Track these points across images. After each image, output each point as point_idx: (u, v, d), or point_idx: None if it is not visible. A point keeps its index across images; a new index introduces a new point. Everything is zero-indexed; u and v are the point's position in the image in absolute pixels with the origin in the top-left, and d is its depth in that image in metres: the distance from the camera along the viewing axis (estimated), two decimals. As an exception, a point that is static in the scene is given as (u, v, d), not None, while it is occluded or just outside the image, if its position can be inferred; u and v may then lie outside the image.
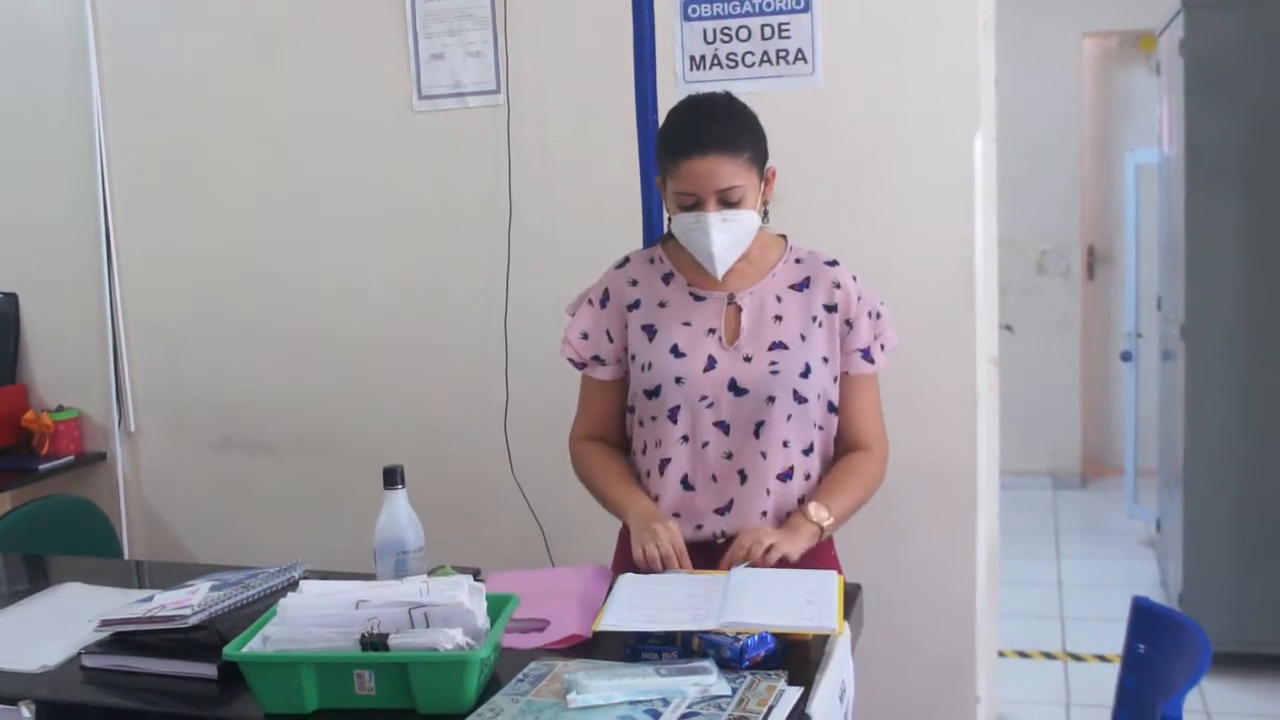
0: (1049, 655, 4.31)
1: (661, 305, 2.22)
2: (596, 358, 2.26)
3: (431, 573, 1.96)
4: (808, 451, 2.19)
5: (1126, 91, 6.67)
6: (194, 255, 3.68)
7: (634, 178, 2.89)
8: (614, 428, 2.31)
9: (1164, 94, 4.60)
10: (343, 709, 1.68)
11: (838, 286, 2.20)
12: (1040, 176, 6.27)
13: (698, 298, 2.21)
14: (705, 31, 3.08)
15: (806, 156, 2.90)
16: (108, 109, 3.68)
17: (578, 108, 3.24)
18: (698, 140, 2.07)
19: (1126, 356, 5.70)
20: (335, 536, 3.25)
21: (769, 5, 3.03)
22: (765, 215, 2.18)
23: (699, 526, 2.17)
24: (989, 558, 3.24)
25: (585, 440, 2.32)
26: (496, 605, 1.80)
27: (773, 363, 2.14)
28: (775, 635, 1.75)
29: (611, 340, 2.25)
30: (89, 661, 1.89)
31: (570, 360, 2.29)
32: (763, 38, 3.05)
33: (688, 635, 1.76)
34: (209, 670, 1.81)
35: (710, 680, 1.65)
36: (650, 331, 2.20)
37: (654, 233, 2.82)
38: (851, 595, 2.00)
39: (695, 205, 2.09)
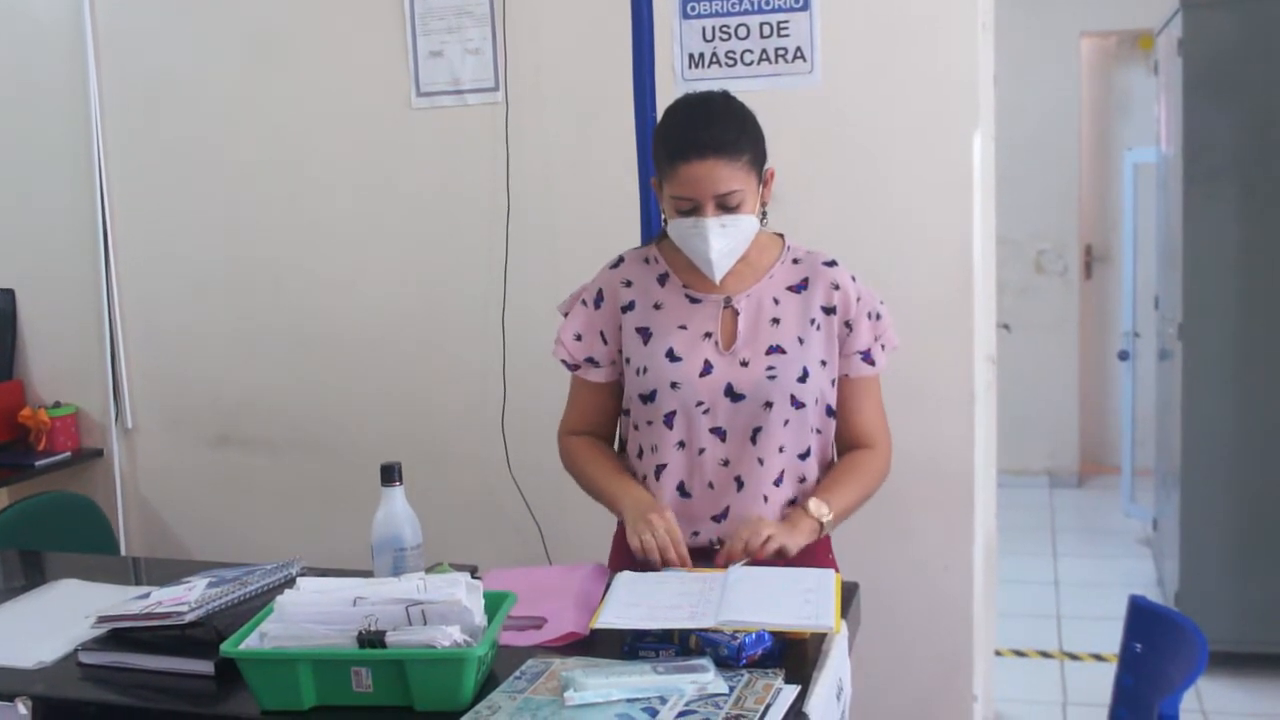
0: (1046, 654, 4.31)
1: (656, 307, 2.19)
2: (590, 359, 2.24)
3: (429, 570, 1.96)
4: (804, 456, 2.17)
5: (1124, 91, 6.68)
6: (192, 252, 3.67)
7: (632, 175, 2.89)
8: (604, 425, 2.29)
9: (1162, 93, 4.60)
10: (340, 706, 1.68)
11: (836, 288, 2.18)
12: (1038, 176, 6.27)
13: (694, 300, 2.18)
14: (704, 29, 3.08)
15: (805, 155, 2.90)
16: (105, 105, 3.68)
17: (576, 105, 3.24)
18: (696, 144, 2.03)
19: (1124, 356, 5.71)
20: (333, 533, 3.25)
21: (768, 3, 3.03)
22: (763, 216, 2.15)
23: (695, 533, 2.15)
24: (986, 556, 3.25)
25: (574, 434, 2.30)
26: (494, 603, 1.80)
27: (770, 367, 2.12)
28: (773, 634, 1.75)
29: (606, 342, 2.23)
30: (85, 658, 1.89)
31: (563, 362, 2.26)
32: (762, 36, 3.05)
33: (685, 633, 1.76)
34: (206, 667, 1.81)
35: (707, 678, 1.64)
36: (645, 334, 2.18)
37: (652, 230, 2.82)
38: (849, 594, 2.00)
39: (693, 210, 2.06)
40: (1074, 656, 4.27)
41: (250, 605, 1.91)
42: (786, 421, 2.13)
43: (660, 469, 2.17)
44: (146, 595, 1.97)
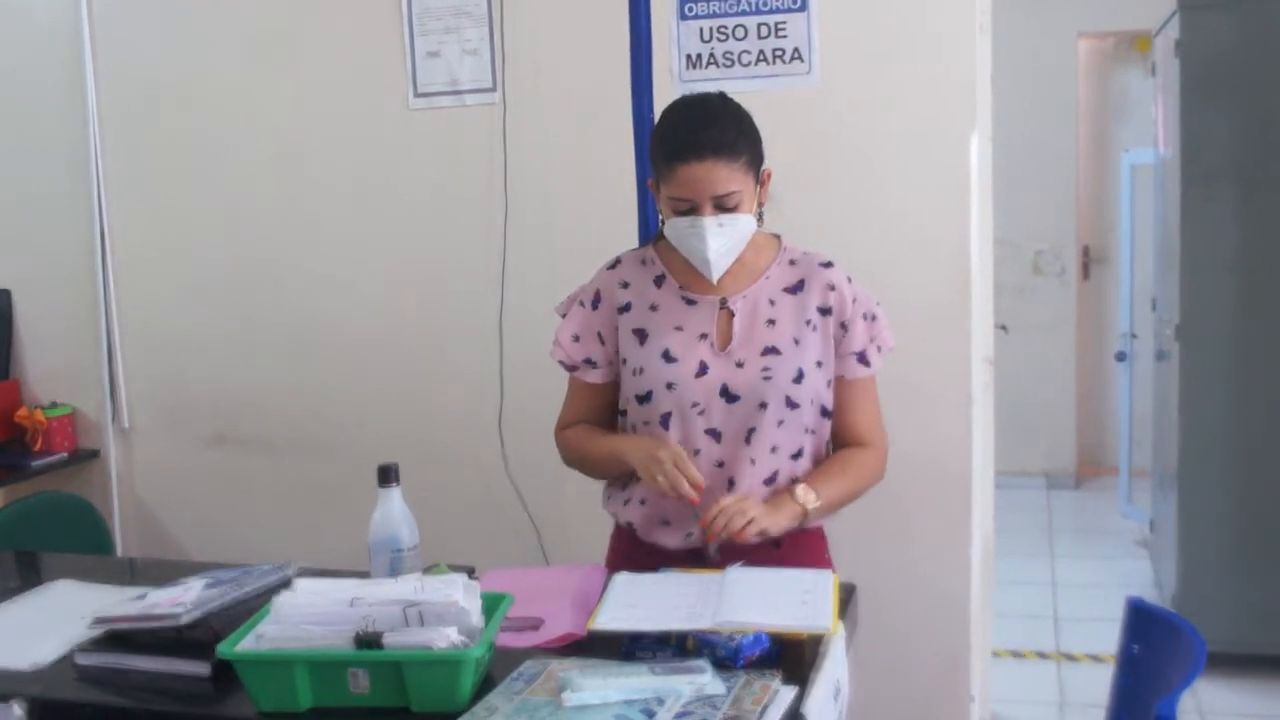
0: (1043, 655, 4.32)
1: (653, 309, 2.19)
2: (588, 360, 2.24)
3: (426, 571, 1.96)
4: (796, 456, 2.17)
5: (1122, 92, 6.68)
6: (188, 252, 3.67)
7: (630, 176, 2.89)
8: (601, 425, 2.29)
9: (1159, 95, 4.60)
10: (337, 708, 1.68)
11: (832, 289, 2.18)
12: (1036, 177, 6.27)
13: (690, 301, 2.18)
14: (702, 30, 3.08)
15: (802, 156, 2.90)
16: (103, 105, 3.68)
17: (574, 106, 3.24)
18: (694, 145, 2.03)
19: (1121, 357, 5.71)
20: (330, 534, 3.24)
21: (766, 4, 3.03)
22: (760, 217, 2.15)
23: (689, 534, 2.14)
24: (983, 557, 3.25)
25: (568, 428, 2.30)
26: (491, 604, 1.80)
27: (765, 368, 2.12)
28: (770, 635, 1.75)
29: (603, 343, 2.23)
30: (82, 659, 1.89)
31: (561, 363, 2.26)
32: (759, 37, 3.05)
33: (682, 634, 1.76)
34: (202, 668, 1.81)
35: (705, 679, 1.64)
36: (641, 335, 2.18)
37: (649, 231, 2.82)
38: (846, 595, 2.00)
39: (690, 210, 2.06)
40: (1071, 657, 4.27)
41: (247, 606, 1.91)
42: (781, 422, 2.13)
43: None
44: (143, 596, 1.97)
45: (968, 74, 2.97)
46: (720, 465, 2.14)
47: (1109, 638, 2.39)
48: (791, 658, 1.76)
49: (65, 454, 3.78)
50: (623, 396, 2.23)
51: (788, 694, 1.65)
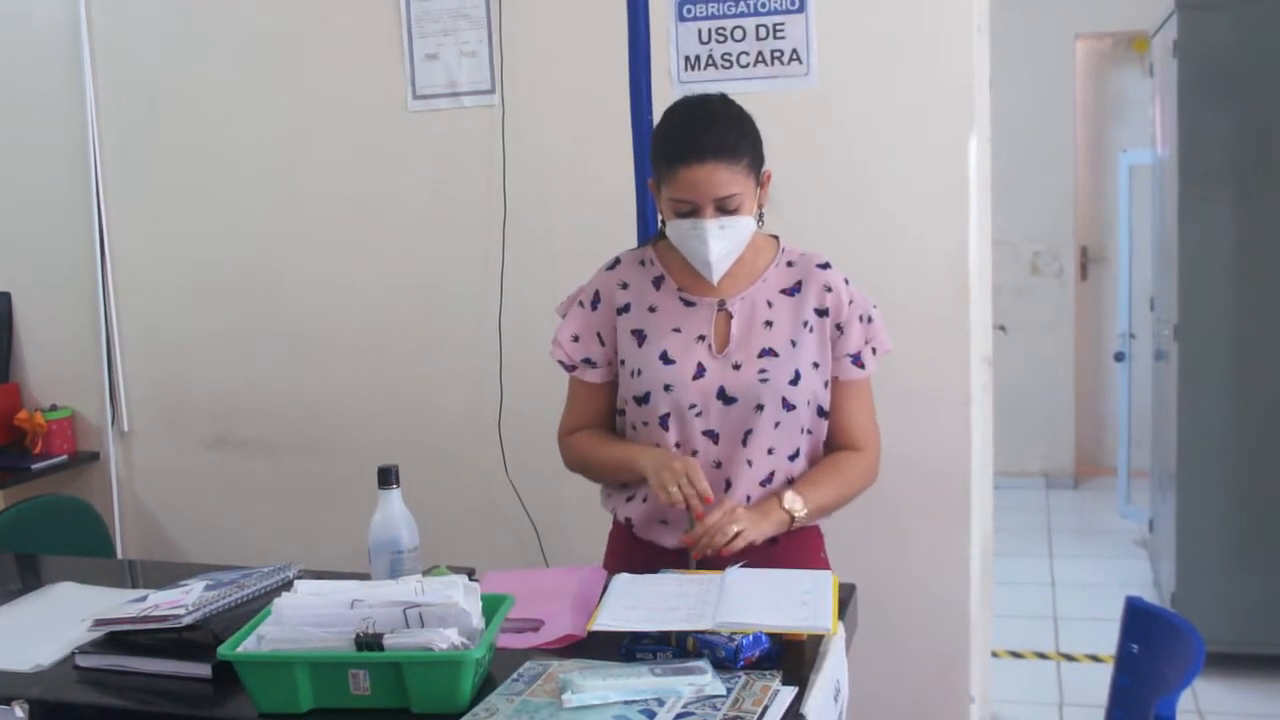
0: (1042, 655, 4.32)
1: (651, 310, 2.20)
2: (587, 360, 2.24)
3: (426, 572, 1.96)
4: (793, 457, 2.18)
5: (1120, 93, 6.69)
6: (187, 255, 3.67)
7: (629, 178, 2.89)
8: (603, 425, 2.29)
9: (1157, 95, 4.61)
10: (337, 709, 1.68)
11: (829, 290, 2.18)
12: (1034, 177, 6.28)
13: (688, 303, 2.18)
14: (700, 32, 3.09)
15: (801, 157, 2.91)
16: (101, 108, 3.68)
17: (573, 108, 3.24)
18: (696, 148, 2.03)
19: (1120, 357, 5.72)
20: (330, 536, 3.25)
21: (764, 6, 3.04)
22: (760, 219, 2.16)
23: (686, 532, 2.15)
24: (982, 558, 3.25)
25: (573, 433, 2.31)
26: (491, 605, 1.80)
27: (762, 370, 2.12)
28: (770, 635, 1.76)
29: (603, 343, 2.23)
30: (83, 661, 1.89)
31: (561, 363, 2.27)
32: (757, 38, 3.05)
33: (683, 635, 1.76)
34: (203, 670, 1.81)
35: (705, 680, 1.65)
36: (640, 336, 2.19)
37: (648, 233, 2.82)
38: (846, 595, 2.00)
39: (692, 212, 2.07)
40: (1070, 657, 4.27)
41: (247, 608, 1.92)
42: (777, 424, 2.14)
43: None
44: (143, 598, 1.97)
45: (965, 75, 2.97)
46: (718, 466, 2.15)
47: (1108, 638, 2.39)
48: (791, 658, 1.76)
49: (65, 457, 3.78)
50: (621, 397, 2.24)
51: (788, 694, 1.66)
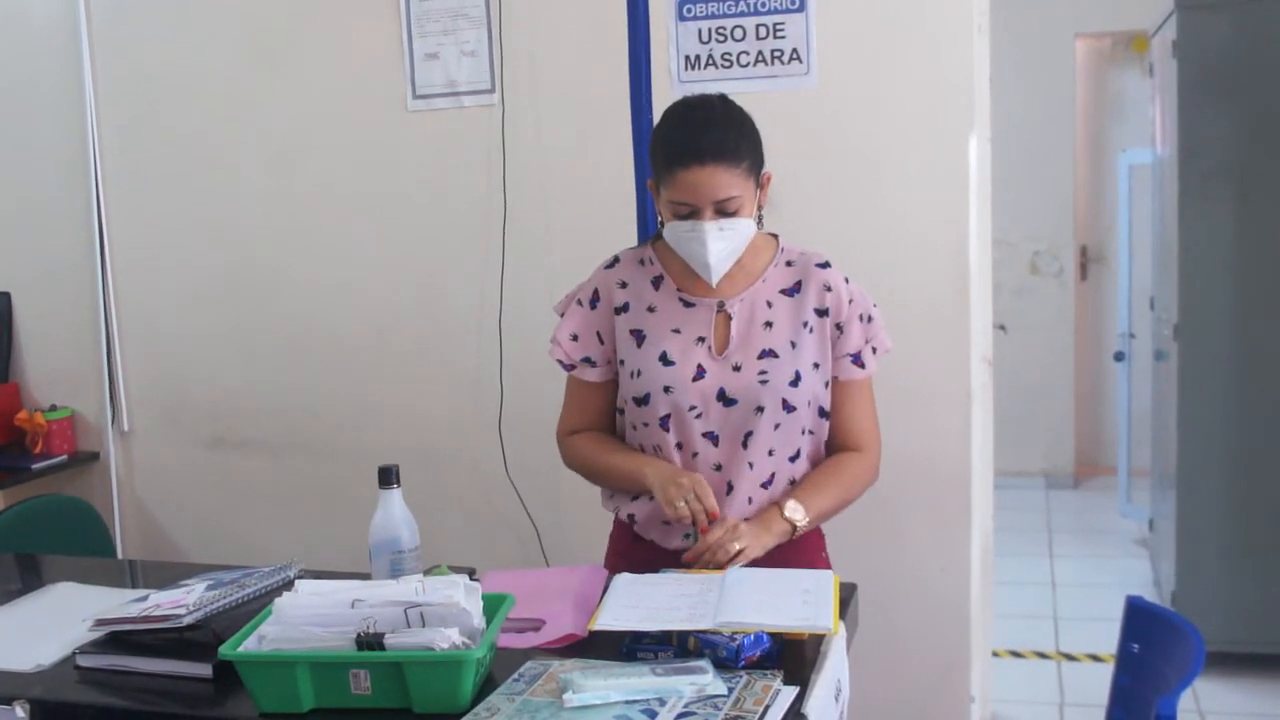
0: (1043, 655, 4.32)
1: (651, 310, 2.19)
2: (587, 359, 2.24)
3: (427, 572, 1.96)
4: (794, 458, 2.18)
5: (1119, 92, 6.69)
6: (187, 254, 3.67)
7: (629, 178, 2.90)
8: (602, 424, 2.29)
9: (1157, 95, 4.61)
10: (338, 709, 1.68)
11: (829, 290, 2.18)
12: (1034, 177, 6.28)
13: (688, 304, 2.18)
14: (700, 31, 3.09)
15: (800, 157, 2.91)
16: (100, 107, 3.68)
17: (573, 108, 3.24)
18: (695, 150, 2.02)
19: (1119, 357, 5.72)
20: (331, 536, 3.25)
21: (764, 5, 3.03)
22: (760, 220, 2.15)
23: (687, 535, 2.15)
24: (983, 557, 3.25)
25: (574, 434, 2.30)
26: (492, 605, 1.80)
27: (762, 372, 2.12)
28: (771, 635, 1.75)
29: (602, 342, 2.23)
30: (83, 661, 1.89)
31: (559, 362, 2.26)
32: (758, 38, 3.05)
33: (684, 635, 1.76)
34: (204, 670, 1.81)
35: (706, 680, 1.65)
36: (639, 337, 2.18)
37: (648, 233, 2.82)
38: (846, 595, 2.00)
39: (691, 214, 2.06)
40: (1071, 657, 4.27)
41: (248, 608, 1.91)
42: (777, 425, 2.14)
43: None
44: (144, 598, 1.97)
45: (965, 75, 2.97)
46: (718, 468, 2.15)
47: (1108, 637, 2.39)
48: (793, 658, 1.76)
49: (65, 456, 3.78)
50: (621, 397, 2.24)
51: (789, 694, 1.66)
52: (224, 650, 1.71)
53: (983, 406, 3.23)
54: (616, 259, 2.28)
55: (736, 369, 2.13)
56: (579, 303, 2.25)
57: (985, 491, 3.34)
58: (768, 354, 2.13)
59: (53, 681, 1.86)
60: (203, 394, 3.71)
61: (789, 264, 2.21)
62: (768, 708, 1.60)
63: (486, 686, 1.71)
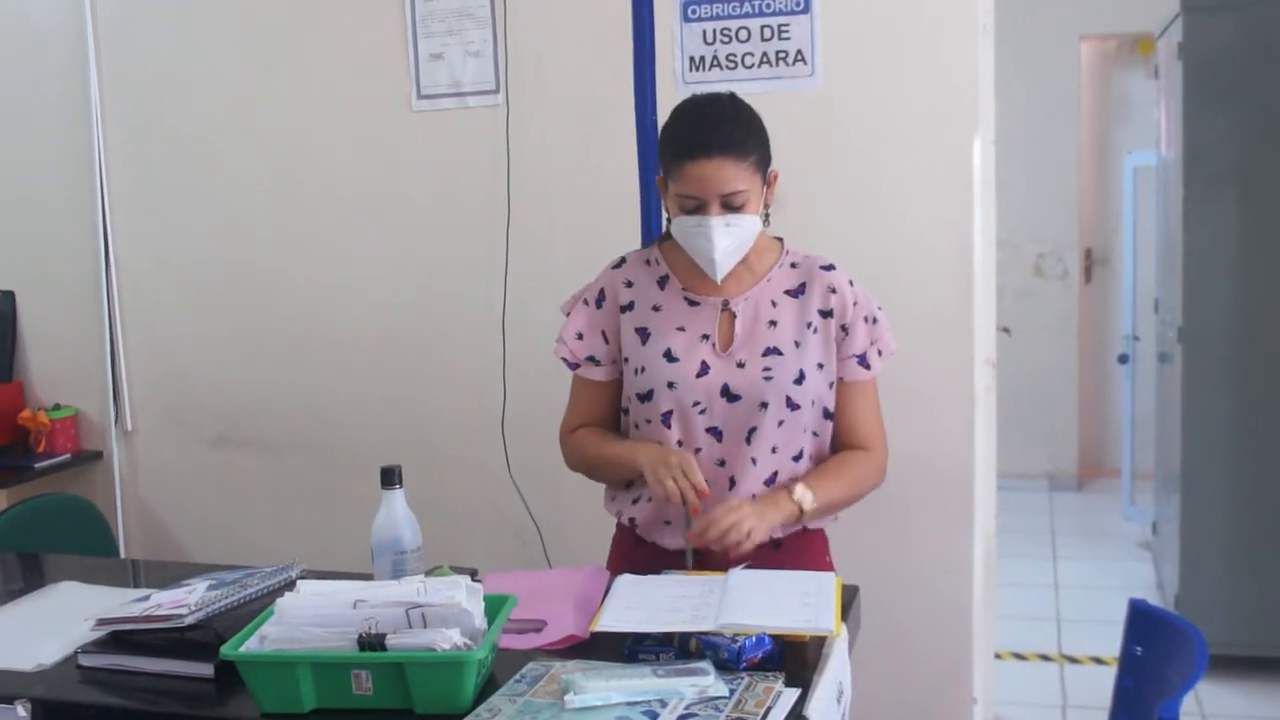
0: (1045, 657, 4.32)
1: (655, 309, 2.20)
2: (591, 358, 2.25)
3: (429, 573, 1.96)
4: (797, 457, 2.18)
5: (1125, 94, 6.68)
6: (191, 254, 3.67)
7: (633, 179, 2.90)
8: (605, 423, 2.29)
9: (1162, 97, 4.60)
10: (340, 709, 1.68)
11: (834, 291, 2.19)
12: (1038, 179, 6.27)
13: (692, 303, 2.19)
14: (705, 32, 3.08)
15: (805, 158, 2.90)
16: (106, 107, 3.68)
17: (577, 108, 3.24)
18: (704, 143, 2.04)
19: (1124, 359, 5.71)
20: (333, 536, 3.25)
21: (769, 6, 3.03)
22: (766, 219, 2.17)
23: (686, 549, 2.15)
24: (986, 559, 3.25)
25: (575, 430, 2.31)
26: (494, 606, 1.80)
27: (766, 369, 2.13)
28: (773, 636, 1.75)
29: (607, 341, 2.24)
30: (85, 660, 1.89)
31: (564, 360, 2.27)
32: (762, 39, 3.05)
33: (685, 636, 1.76)
34: (206, 670, 1.81)
35: (708, 681, 1.65)
36: (644, 335, 2.19)
37: (652, 234, 2.82)
38: (849, 597, 2.00)
39: (698, 208, 2.07)
40: (1074, 660, 4.27)
41: (250, 608, 1.91)
42: (781, 423, 2.14)
43: None
44: (146, 598, 1.97)
45: (970, 76, 2.97)
46: (721, 464, 2.15)
47: (1111, 640, 2.39)
48: (794, 659, 1.76)
49: (69, 456, 3.78)
50: (625, 394, 2.24)
51: (790, 696, 1.65)
52: (226, 650, 1.71)
53: (986, 408, 3.22)
54: (623, 259, 2.29)
55: (740, 365, 2.14)
56: (585, 302, 2.26)
57: (988, 493, 3.33)
58: (772, 351, 2.14)
59: (54, 681, 1.86)
60: (206, 394, 3.71)
61: (794, 266, 2.22)
62: (769, 709, 1.60)
63: (488, 687, 1.71)
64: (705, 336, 2.16)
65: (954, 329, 3.01)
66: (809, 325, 2.17)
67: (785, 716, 1.61)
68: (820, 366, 2.17)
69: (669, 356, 2.15)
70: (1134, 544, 5.55)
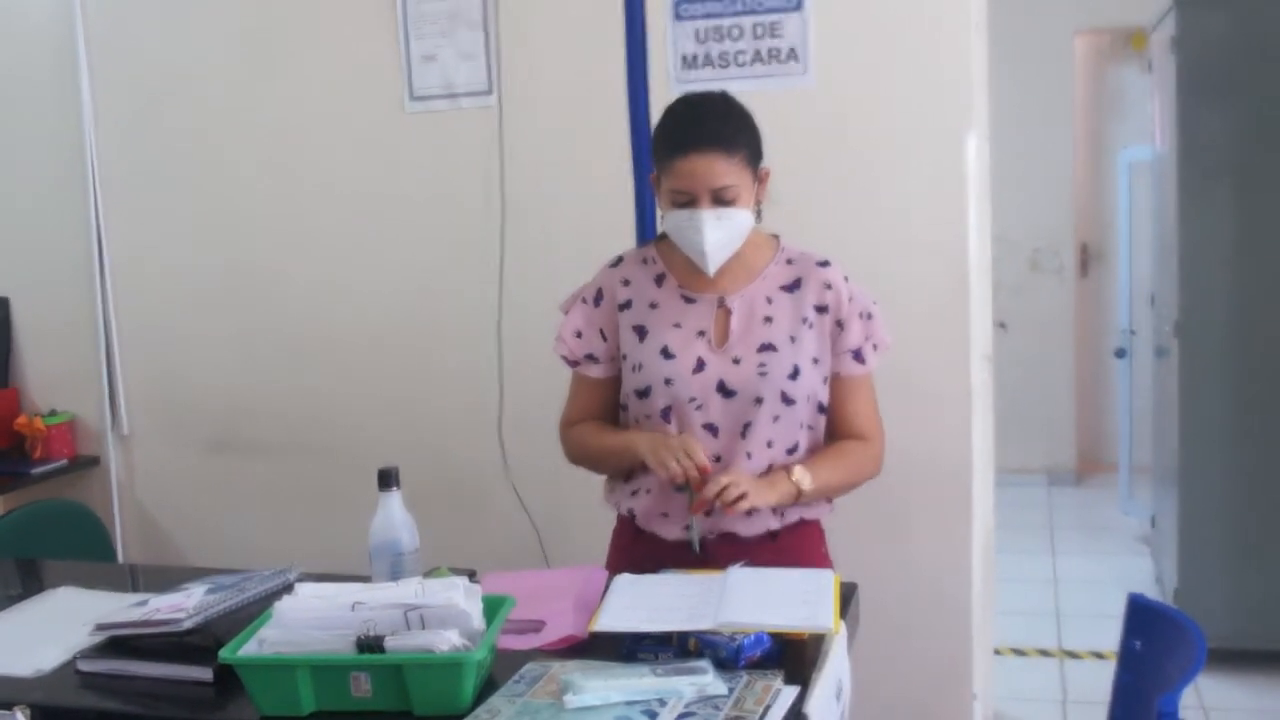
0: (1045, 652, 4.32)
1: (653, 306, 2.22)
2: (590, 356, 2.27)
3: (427, 574, 1.96)
4: (792, 451, 2.19)
5: (1118, 89, 6.68)
6: (185, 257, 3.67)
7: (626, 178, 2.90)
8: (604, 419, 2.31)
9: (1156, 91, 4.60)
10: (339, 711, 1.68)
11: (828, 287, 2.21)
12: (1033, 174, 6.27)
13: (688, 300, 2.21)
14: (697, 31, 3.08)
15: (799, 156, 2.90)
16: (98, 110, 3.67)
17: (570, 108, 3.24)
18: (694, 138, 2.08)
19: (1120, 353, 5.71)
20: (330, 539, 3.24)
21: (761, 4, 3.03)
22: (759, 215, 2.18)
23: (687, 527, 2.17)
24: (984, 555, 3.25)
25: (574, 425, 2.33)
26: (492, 606, 1.81)
27: (761, 364, 2.15)
28: (771, 635, 1.75)
29: (605, 339, 2.26)
30: (84, 666, 1.89)
31: (563, 358, 2.30)
32: (754, 37, 3.05)
33: (684, 635, 1.76)
34: (204, 674, 1.81)
35: (707, 680, 1.65)
36: (641, 332, 2.21)
37: (647, 233, 2.82)
38: (847, 594, 2.00)
39: (689, 203, 2.10)
40: (1073, 654, 4.27)
41: (248, 611, 1.91)
42: (776, 418, 2.16)
43: None
44: (144, 602, 1.97)
45: (964, 72, 2.97)
46: (717, 459, 2.17)
47: (1110, 634, 2.39)
48: (793, 658, 1.76)
49: (65, 461, 3.78)
50: (623, 391, 2.26)
51: (790, 694, 1.65)
52: (224, 654, 1.71)
53: (983, 404, 3.22)
54: (620, 258, 2.32)
55: (736, 362, 2.16)
56: (583, 300, 2.29)
57: (986, 489, 3.34)
58: (767, 347, 2.16)
59: (53, 686, 1.86)
60: (201, 397, 3.71)
61: (789, 262, 2.24)
62: (768, 708, 1.60)
63: (487, 688, 1.71)
64: (701, 333, 2.18)
65: (950, 325, 3.02)
66: (804, 321, 2.18)
67: (784, 714, 1.61)
68: (815, 361, 2.18)
69: (666, 353, 2.17)
70: (1132, 538, 5.55)
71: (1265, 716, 3.74)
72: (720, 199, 2.09)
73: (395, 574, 1.97)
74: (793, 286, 2.21)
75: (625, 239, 2.81)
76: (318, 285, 3.55)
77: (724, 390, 2.15)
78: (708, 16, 3.07)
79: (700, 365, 2.16)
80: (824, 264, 2.23)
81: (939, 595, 3.06)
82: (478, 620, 1.73)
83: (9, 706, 1.74)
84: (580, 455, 2.31)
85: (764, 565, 2.05)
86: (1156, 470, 4.89)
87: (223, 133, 3.58)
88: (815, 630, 1.77)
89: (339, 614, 1.71)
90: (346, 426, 3.55)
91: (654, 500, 2.20)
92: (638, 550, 2.22)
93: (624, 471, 2.26)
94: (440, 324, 3.44)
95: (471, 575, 2.05)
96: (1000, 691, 3.81)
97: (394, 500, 2.02)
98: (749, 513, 2.13)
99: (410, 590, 1.74)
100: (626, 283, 2.26)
